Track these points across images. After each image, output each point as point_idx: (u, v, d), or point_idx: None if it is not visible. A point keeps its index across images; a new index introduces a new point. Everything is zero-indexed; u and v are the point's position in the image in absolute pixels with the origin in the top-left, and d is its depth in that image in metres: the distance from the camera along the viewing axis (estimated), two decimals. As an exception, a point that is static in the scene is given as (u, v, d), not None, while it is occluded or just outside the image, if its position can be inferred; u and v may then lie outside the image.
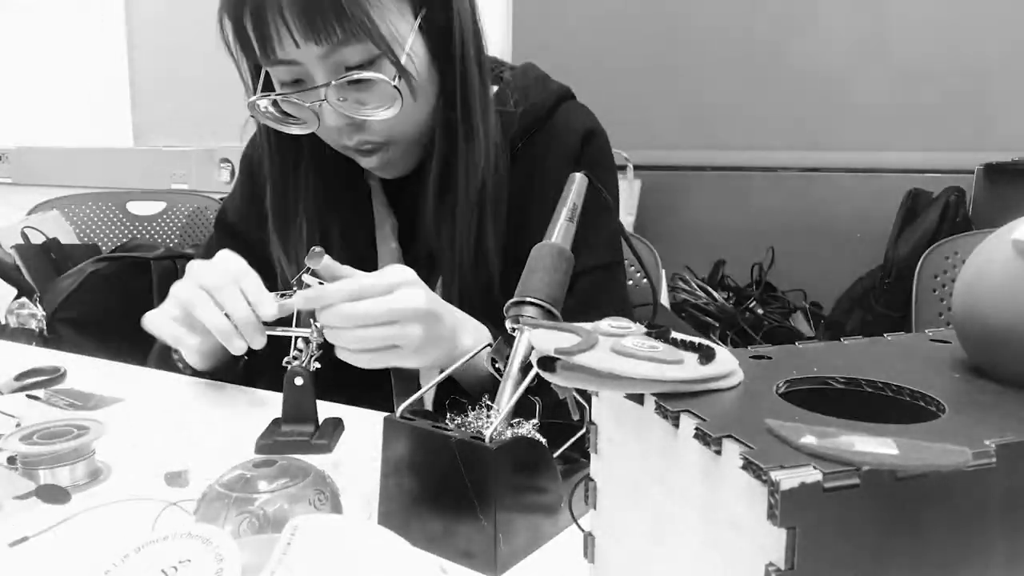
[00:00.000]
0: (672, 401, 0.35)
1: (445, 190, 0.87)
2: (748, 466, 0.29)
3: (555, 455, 0.58)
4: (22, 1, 3.07)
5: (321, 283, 0.73)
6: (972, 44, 2.13)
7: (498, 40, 2.47)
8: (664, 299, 1.84)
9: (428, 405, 0.87)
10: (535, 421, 0.58)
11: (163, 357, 0.97)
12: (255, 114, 0.84)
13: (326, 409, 0.81)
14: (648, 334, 0.41)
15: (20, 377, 0.91)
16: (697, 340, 0.39)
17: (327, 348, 0.75)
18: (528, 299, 0.63)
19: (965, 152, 2.09)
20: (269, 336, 0.77)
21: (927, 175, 2.16)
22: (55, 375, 0.93)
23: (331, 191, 0.93)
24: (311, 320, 0.75)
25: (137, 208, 2.04)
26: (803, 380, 0.38)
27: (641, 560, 0.39)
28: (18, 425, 0.74)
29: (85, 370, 0.97)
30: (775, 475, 0.27)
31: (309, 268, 0.73)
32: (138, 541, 0.41)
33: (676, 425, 0.34)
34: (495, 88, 0.94)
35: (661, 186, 2.46)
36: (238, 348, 0.75)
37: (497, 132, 0.89)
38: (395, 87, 0.78)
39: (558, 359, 0.38)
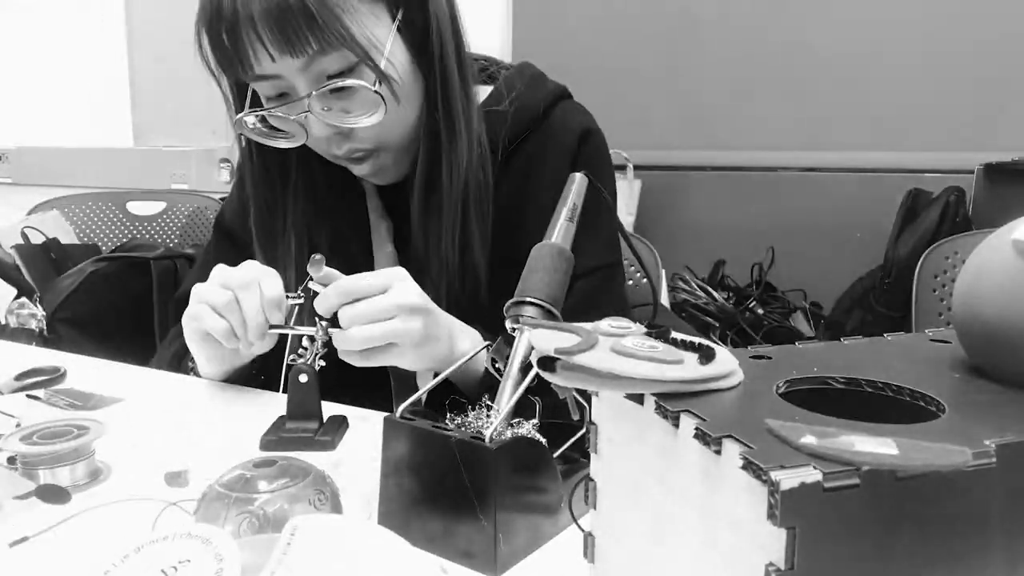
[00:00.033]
0: (672, 401, 0.35)
1: (430, 191, 0.87)
2: (748, 466, 0.29)
3: (555, 455, 0.58)
4: (22, 1, 3.07)
5: (325, 287, 0.73)
6: (972, 44, 2.13)
7: (498, 40, 2.47)
8: (664, 299, 1.84)
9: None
10: (535, 421, 0.58)
11: (176, 360, 0.96)
12: (243, 131, 0.84)
13: (328, 409, 0.81)
14: (648, 334, 0.41)
15: (20, 377, 0.91)
16: (697, 340, 0.39)
17: (331, 347, 0.75)
18: (528, 299, 0.63)
19: (965, 152, 2.10)
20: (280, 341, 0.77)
21: (927, 175, 2.16)
22: (55, 375, 0.93)
23: (322, 203, 0.92)
24: (316, 319, 0.75)
25: (137, 208, 2.04)
26: (803, 380, 0.38)
27: (641, 560, 0.39)
28: (18, 425, 0.74)
29: (85, 370, 0.97)
30: (775, 475, 0.27)
31: (312, 276, 0.74)
32: (138, 541, 0.41)
33: (676, 425, 0.34)
34: (489, 88, 0.94)
35: (661, 186, 2.46)
36: (244, 351, 0.76)
37: (482, 132, 0.88)
38: (376, 92, 0.77)
39: (558, 359, 0.38)
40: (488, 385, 0.72)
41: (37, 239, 1.75)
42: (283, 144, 0.84)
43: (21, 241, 1.73)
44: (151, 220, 2.03)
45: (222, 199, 2.09)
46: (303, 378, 0.75)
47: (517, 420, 0.58)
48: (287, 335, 0.78)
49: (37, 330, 1.50)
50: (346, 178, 0.93)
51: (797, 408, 0.34)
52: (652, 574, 0.38)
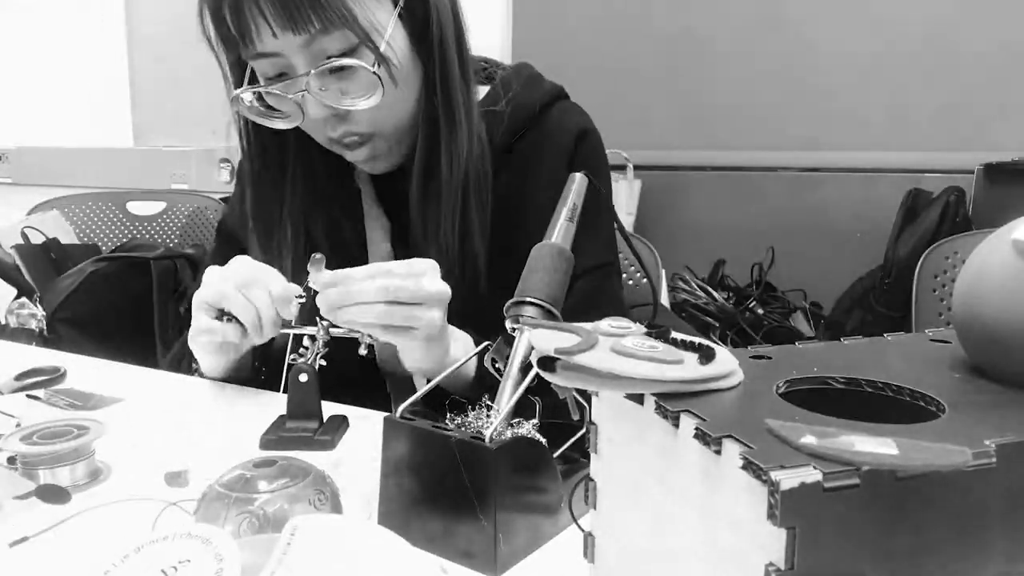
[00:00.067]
0: (672, 401, 0.35)
1: (429, 177, 0.87)
2: (748, 466, 0.29)
3: (555, 455, 0.58)
4: (22, 1, 3.07)
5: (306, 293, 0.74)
6: (972, 44, 2.13)
7: (498, 40, 2.46)
8: (664, 299, 1.84)
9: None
10: (535, 421, 0.58)
11: (176, 362, 0.96)
12: (239, 108, 0.84)
13: (328, 408, 0.81)
14: (648, 334, 0.41)
15: (20, 377, 0.91)
16: (697, 340, 0.39)
17: (331, 347, 0.75)
18: (528, 299, 0.63)
19: (965, 152, 2.10)
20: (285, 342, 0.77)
21: (927, 175, 2.16)
22: (55, 375, 0.93)
23: (320, 192, 0.92)
24: (317, 318, 0.75)
25: (137, 208, 2.04)
26: (803, 380, 0.38)
27: (641, 560, 0.39)
28: (18, 425, 0.74)
29: (85, 370, 0.97)
30: (775, 475, 0.27)
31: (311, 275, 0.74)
32: (138, 541, 0.41)
33: (676, 425, 0.34)
34: (487, 88, 0.94)
35: (661, 186, 2.46)
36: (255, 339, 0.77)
37: (480, 127, 0.89)
38: (375, 74, 0.78)
39: (558, 359, 0.38)
40: (479, 388, 0.73)
41: (37, 239, 1.75)
42: (279, 124, 0.84)
43: (21, 241, 1.73)
44: (151, 220, 2.03)
45: (222, 199, 2.10)
46: (303, 378, 0.75)
47: (517, 420, 0.58)
48: (287, 334, 0.78)
49: (37, 330, 1.50)
50: (342, 169, 0.93)
51: (797, 408, 0.34)
52: (652, 574, 0.38)
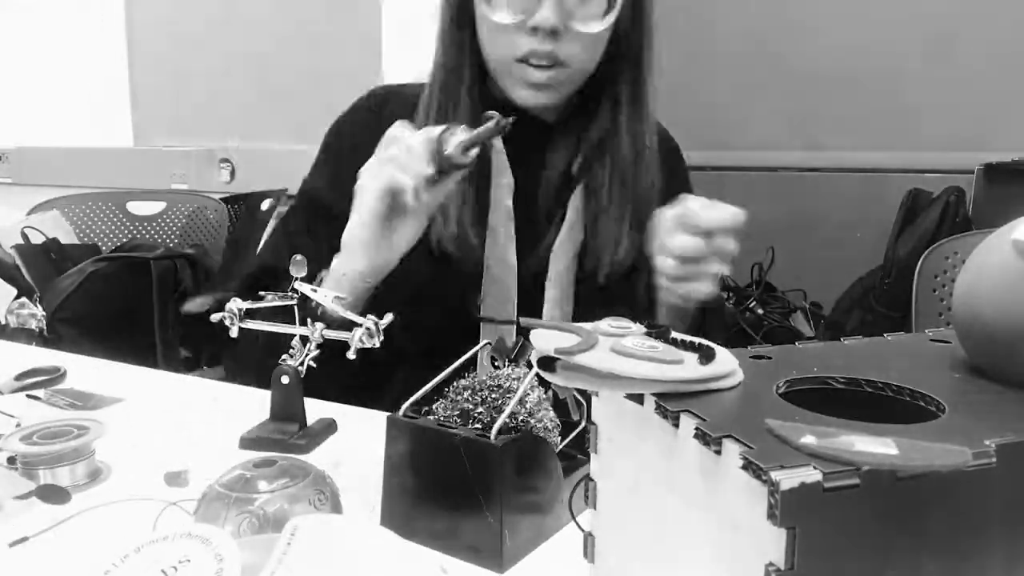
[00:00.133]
0: (672, 401, 0.35)
1: (630, 133, 0.93)
2: (748, 466, 0.29)
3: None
4: (22, 1, 3.07)
5: (315, 290, 0.73)
6: (972, 44, 2.13)
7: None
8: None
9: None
10: (552, 416, 0.59)
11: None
12: None
13: (325, 409, 0.81)
14: (648, 334, 0.41)
15: (20, 377, 0.91)
16: (697, 340, 0.39)
17: (330, 348, 0.75)
18: None
19: (965, 152, 2.09)
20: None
21: (927, 175, 2.16)
22: (55, 375, 0.93)
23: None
24: (308, 320, 0.75)
25: (137, 208, 2.04)
26: (803, 380, 0.38)
27: (641, 560, 0.39)
28: (18, 425, 0.74)
29: (85, 370, 0.97)
30: (775, 475, 0.27)
31: (297, 277, 0.74)
32: (138, 541, 0.41)
33: (676, 425, 0.34)
34: None
35: (661, 186, 2.45)
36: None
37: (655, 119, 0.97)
38: (615, 4, 0.84)
39: (558, 359, 0.39)
40: None
41: (37, 239, 1.75)
42: (500, 17, 0.85)
43: (21, 241, 1.73)
44: (151, 220, 2.03)
45: (222, 199, 2.10)
46: (285, 380, 0.75)
47: (539, 403, 0.58)
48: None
49: (37, 330, 1.50)
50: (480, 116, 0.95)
51: (797, 408, 0.34)
52: (652, 574, 0.38)
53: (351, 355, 0.73)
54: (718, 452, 0.31)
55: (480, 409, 0.58)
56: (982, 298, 0.38)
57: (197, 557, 0.40)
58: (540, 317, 0.91)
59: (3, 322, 1.57)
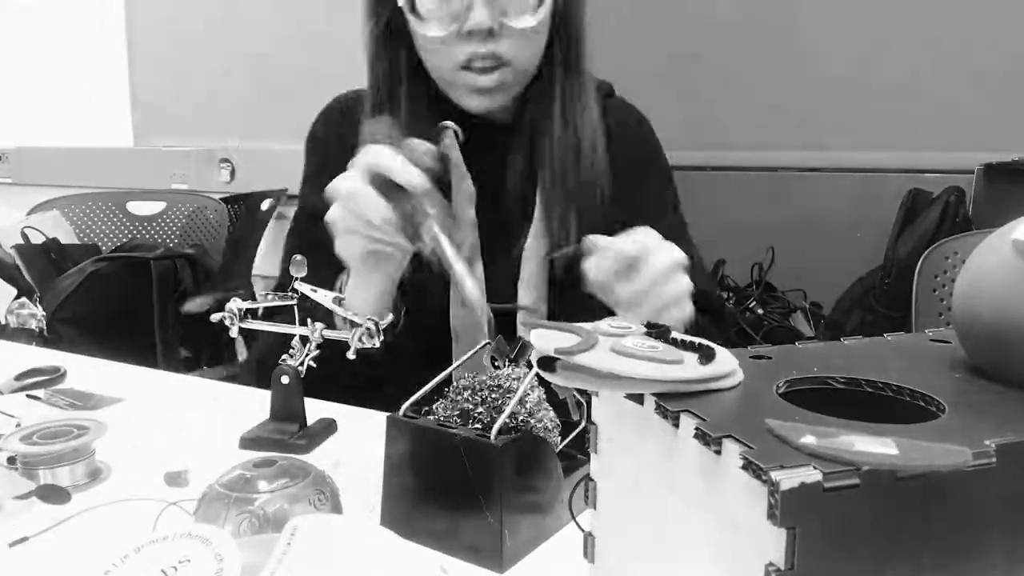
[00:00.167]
0: (672, 401, 0.35)
1: (567, 128, 0.91)
2: (748, 466, 0.29)
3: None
4: (22, 1, 3.07)
5: (314, 290, 0.73)
6: (972, 44, 2.13)
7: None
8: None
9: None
10: (552, 415, 0.59)
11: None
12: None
13: (324, 409, 0.81)
14: (648, 334, 0.41)
15: (20, 377, 0.91)
16: (697, 340, 0.39)
17: (328, 349, 0.75)
18: None
19: (965, 152, 2.09)
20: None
21: (927, 175, 2.16)
22: (55, 375, 0.93)
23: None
24: (308, 320, 0.75)
25: (137, 208, 2.04)
26: (803, 380, 0.38)
27: (641, 560, 0.39)
28: (18, 425, 0.74)
29: (85, 370, 0.97)
30: (775, 475, 0.27)
31: (296, 277, 0.73)
32: (138, 541, 0.41)
33: (676, 425, 0.34)
34: None
35: (661, 186, 2.45)
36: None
37: (596, 105, 0.94)
38: None
39: (558, 359, 0.38)
40: None
41: (37, 239, 1.75)
42: (432, 31, 0.84)
43: (21, 241, 1.73)
44: (151, 220, 2.03)
45: (222, 199, 2.10)
46: (284, 380, 0.75)
47: (539, 403, 0.58)
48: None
49: (37, 330, 1.50)
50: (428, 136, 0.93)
51: (797, 408, 0.34)
52: (652, 574, 0.38)
53: (351, 355, 0.73)
54: (718, 452, 0.31)
55: (480, 409, 0.58)
56: (982, 298, 0.38)
57: (197, 557, 0.40)
58: (514, 323, 0.89)
59: (3, 322, 1.57)
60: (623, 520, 0.40)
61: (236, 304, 0.78)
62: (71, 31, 3.02)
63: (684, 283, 0.74)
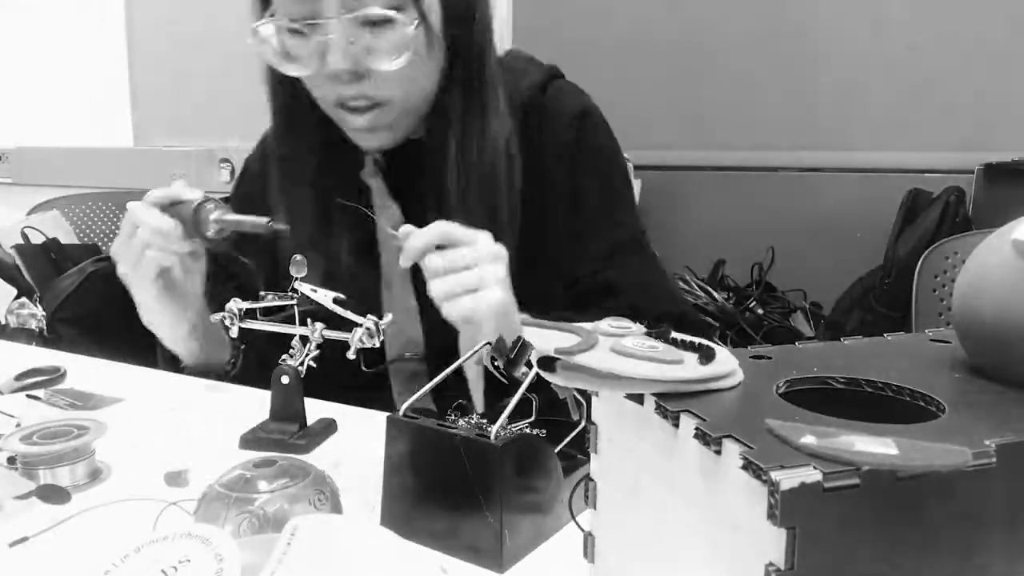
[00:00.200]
0: (672, 401, 0.35)
1: (466, 151, 0.85)
2: (748, 466, 0.29)
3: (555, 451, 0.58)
4: (22, 1, 3.07)
5: (314, 290, 0.73)
6: (973, 44, 2.13)
7: (497, 40, 2.46)
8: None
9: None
10: (529, 421, 0.59)
11: (167, 357, 0.97)
12: (255, 43, 0.81)
13: (324, 409, 0.81)
14: (648, 334, 0.41)
15: (20, 377, 0.91)
16: (697, 340, 0.39)
17: (328, 349, 0.75)
18: None
19: (965, 152, 2.09)
20: (269, 336, 0.77)
21: (927, 175, 2.16)
22: (55, 375, 0.93)
23: (317, 189, 0.91)
24: (308, 319, 0.75)
25: (137, 208, 2.03)
26: (803, 380, 0.38)
27: (641, 560, 0.39)
28: (18, 425, 0.74)
29: (85, 370, 0.97)
30: (775, 475, 0.27)
31: (297, 277, 0.73)
32: (138, 541, 0.41)
33: (676, 425, 0.34)
34: None
35: (661, 186, 2.45)
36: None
37: (507, 107, 0.88)
38: (409, 35, 0.76)
39: (558, 359, 0.38)
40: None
41: (37, 239, 1.75)
42: (291, 70, 0.82)
43: (21, 241, 1.73)
44: (151, 220, 2.02)
45: (222, 199, 2.09)
46: (284, 380, 0.75)
47: (514, 424, 0.58)
48: (281, 334, 0.78)
49: (37, 330, 1.50)
50: (348, 165, 0.91)
51: (797, 408, 0.34)
52: (652, 574, 0.38)
53: (351, 355, 0.73)
54: (718, 452, 0.31)
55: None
56: (982, 298, 0.38)
57: (197, 557, 0.40)
58: (455, 349, 0.85)
59: (3, 322, 1.57)
60: (623, 520, 0.40)
61: (236, 304, 0.78)
62: (71, 31, 3.02)
63: (492, 273, 0.72)
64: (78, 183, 2.51)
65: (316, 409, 0.80)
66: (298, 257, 0.73)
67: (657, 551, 0.37)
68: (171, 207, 0.82)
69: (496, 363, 0.63)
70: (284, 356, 0.76)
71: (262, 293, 0.77)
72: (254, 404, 0.80)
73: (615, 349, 0.38)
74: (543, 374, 0.40)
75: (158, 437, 0.76)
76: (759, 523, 0.28)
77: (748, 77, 2.37)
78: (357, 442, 0.75)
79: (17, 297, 1.66)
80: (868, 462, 0.27)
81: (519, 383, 0.56)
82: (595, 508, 0.43)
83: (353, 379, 0.80)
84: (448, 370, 0.66)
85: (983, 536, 0.30)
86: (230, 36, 2.69)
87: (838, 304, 2.19)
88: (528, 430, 0.57)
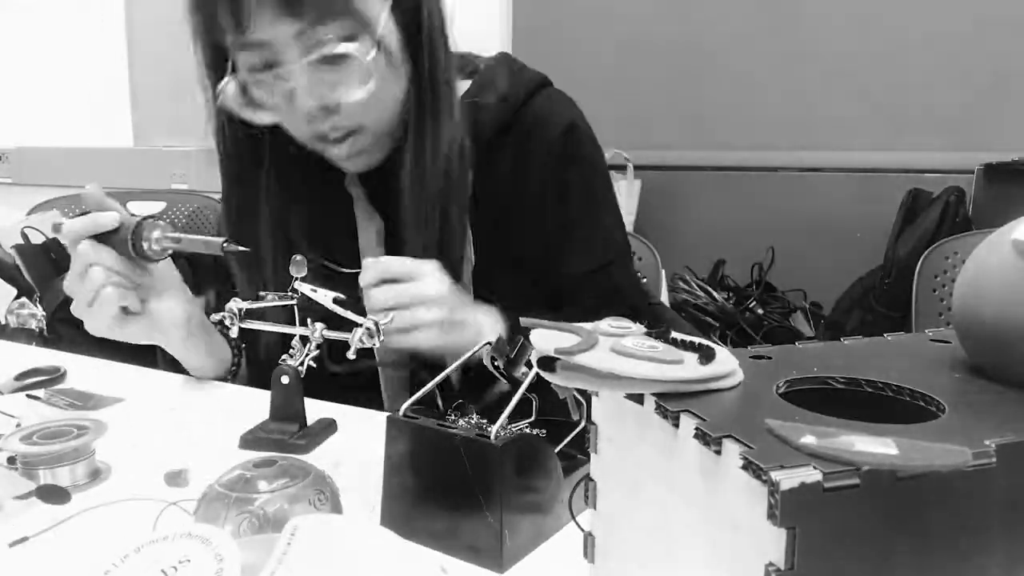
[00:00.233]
0: (672, 401, 0.35)
1: (416, 173, 0.85)
2: (748, 466, 0.29)
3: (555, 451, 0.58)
4: (22, 1, 3.07)
5: (314, 290, 0.73)
6: (972, 44, 2.13)
7: (497, 41, 2.46)
8: (664, 299, 1.84)
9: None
10: (529, 421, 0.59)
11: (167, 358, 0.97)
12: (223, 100, 0.82)
13: (324, 409, 0.81)
14: (648, 334, 0.41)
15: (20, 377, 0.91)
16: (697, 340, 0.39)
17: (327, 349, 0.75)
18: None
19: (965, 152, 2.09)
20: (272, 336, 0.78)
21: (927, 175, 2.16)
22: (55, 375, 0.93)
23: (299, 202, 0.91)
24: (308, 320, 0.75)
25: (137, 208, 2.03)
26: (803, 380, 0.38)
27: (641, 560, 0.39)
28: (18, 425, 0.74)
29: (85, 370, 0.97)
30: (775, 475, 0.27)
31: (297, 277, 0.73)
32: (138, 541, 0.41)
33: (676, 425, 0.34)
34: (468, 82, 0.93)
35: (661, 186, 2.45)
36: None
37: (463, 124, 0.87)
38: (370, 62, 0.76)
39: (558, 359, 0.38)
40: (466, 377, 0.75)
41: (37, 239, 1.75)
42: (263, 118, 0.82)
43: (21, 241, 1.73)
44: (151, 220, 2.02)
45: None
46: (285, 380, 0.75)
47: (514, 424, 0.58)
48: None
49: (37, 330, 1.49)
50: (330, 175, 0.91)
51: (797, 408, 0.34)
52: (652, 574, 0.38)
53: (351, 355, 0.73)
54: (718, 452, 0.31)
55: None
56: (982, 298, 0.38)
57: (197, 557, 0.40)
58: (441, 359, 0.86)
59: (3, 322, 1.57)
60: (623, 520, 0.40)
61: (236, 304, 0.78)
62: (71, 31, 3.02)
63: (426, 316, 0.75)
64: (78, 183, 2.51)
65: (316, 409, 0.80)
66: (298, 257, 0.73)
67: (657, 551, 0.37)
68: (106, 233, 0.83)
69: (496, 363, 0.63)
70: (284, 356, 0.76)
71: (262, 293, 0.77)
72: (254, 404, 0.80)
73: (615, 349, 0.38)
74: (543, 374, 0.40)
75: (158, 437, 0.76)
76: (759, 523, 0.28)
77: (748, 77, 2.37)
78: (357, 442, 0.75)
79: (17, 297, 1.65)
80: (868, 462, 0.27)
81: (519, 383, 0.56)
82: (595, 508, 0.43)
83: (353, 379, 0.80)
84: (448, 370, 0.66)
85: (983, 536, 0.30)
86: (230, 36, 2.69)
87: (838, 304, 2.20)
88: (528, 430, 0.57)
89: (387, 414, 0.58)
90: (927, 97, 2.18)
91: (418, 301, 0.75)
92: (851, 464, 0.28)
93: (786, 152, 2.36)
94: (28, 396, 0.86)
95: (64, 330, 1.50)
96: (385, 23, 0.79)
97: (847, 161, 2.29)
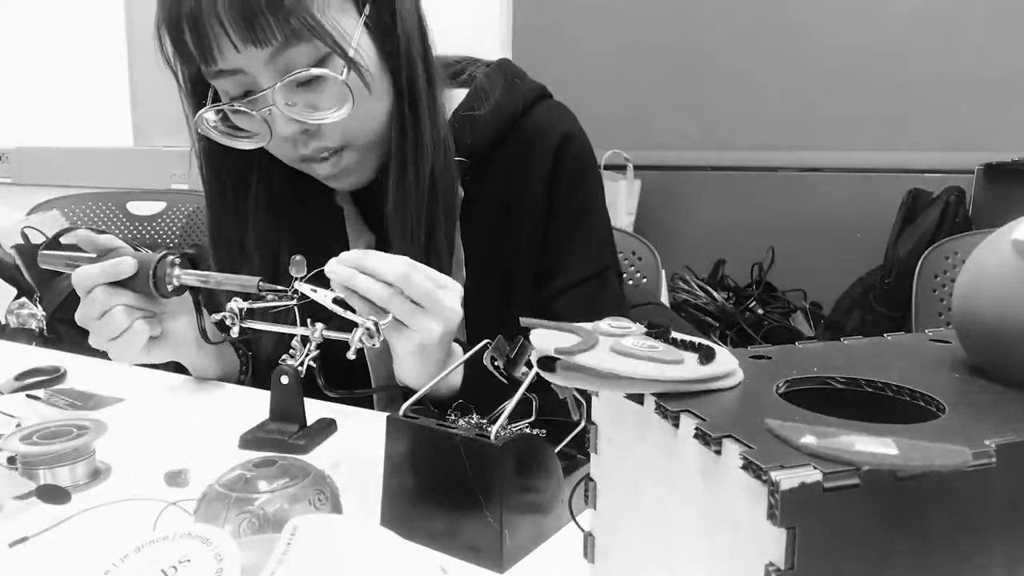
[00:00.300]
0: (672, 401, 0.35)
1: (403, 187, 0.84)
2: (748, 466, 0.29)
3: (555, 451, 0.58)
4: (22, 1, 3.07)
5: (314, 290, 0.73)
6: (972, 44, 2.13)
7: (497, 41, 2.46)
8: (664, 299, 1.84)
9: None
10: (529, 421, 0.59)
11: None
12: (204, 129, 0.82)
13: (324, 409, 0.81)
14: (648, 334, 0.41)
15: (20, 377, 0.91)
16: (697, 340, 0.39)
17: (327, 349, 0.75)
18: None
19: (965, 152, 2.10)
20: (277, 338, 0.78)
21: (927, 175, 2.17)
22: (55, 375, 0.93)
23: (286, 220, 0.90)
24: (308, 320, 0.75)
25: (137, 208, 2.04)
26: (803, 380, 0.38)
27: (641, 560, 0.39)
28: (18, 425, 0.74)
29: (85, 370, 0.97)
30: (775, 475, 0.27)
31: (297, 277, 0.73)
32: (138, 541, 0.41)
33: (676, 425, 0.34)
34: (464, 92, 0.91)
35: (661, 186, 2.46)
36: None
37: (448, 136, 0.86)
38: (345, 83, 0.75)
39: (558, 359, 0.38)
40: (465, 395, 0.74)
41: (37, 239, 1.75)
42: (246, 144, 0.82)
43: (21, 241, 1.73)
44: (151, 220, 2.02)
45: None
46: (284, 380, 0.75)
47: (514, 424, 0.58)
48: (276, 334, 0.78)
49: (37, 330, 1.50)
50: (318, 191, 0.91)
51: (797, 408, 0.34)
52: (652, 574, 0.38)
53: (351, 355, 0.73)
54: (718, 452, 0.31)
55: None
56: (982, 298, 0.38)
57: (197, 557, 0.40)
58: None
59: (3, 322, 1.57)
60: (623, 520, 0.40)
61: (236, 304, 0.78)
62: (71, 31, 3.02)
63: (428, 326, 0.71)
64: (78, 183, 2.51)
65: (316, 409, 0.80)
66: (297, 257, 0.73)
67: (657, 551, 0.37)
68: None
69: (496, 363, 0.63)
70: (284, 356, 0.76)
71: (261, 293, 0.77)
72: (254, 404, 0.80)
73: (615, 349, 0.38)
74: (543, 374, 0.40)
75: (158, 437, 0.76)
76: (759, 523, 0.28)
77: (748, 77, 2.38)
78: (357, 442, 0.75)
79: (17, 297, 1.66)
80: (868, 462, 0.27)
81: (519, 383, 0.56)
82: (595, 508, 0.43)
83: (354, 380, 0.80)
84: (448, 370, 0.66)
85: (983, 536, 0.30)
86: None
87: (838, 304, 2.20)
88: (528, 430, 0.57)
89: (387, 414, 0.58)
90: (927, 97, 2.18)
91: (427, 304, 0.71)
92: (851, 464, 0.28)
93: (786, 152, 2.36)
94: (28, 396, 0.86)
95: (64, 330, 1.50)
96: (359, 40, 0.77)
97: (847, 161, 2.30)
